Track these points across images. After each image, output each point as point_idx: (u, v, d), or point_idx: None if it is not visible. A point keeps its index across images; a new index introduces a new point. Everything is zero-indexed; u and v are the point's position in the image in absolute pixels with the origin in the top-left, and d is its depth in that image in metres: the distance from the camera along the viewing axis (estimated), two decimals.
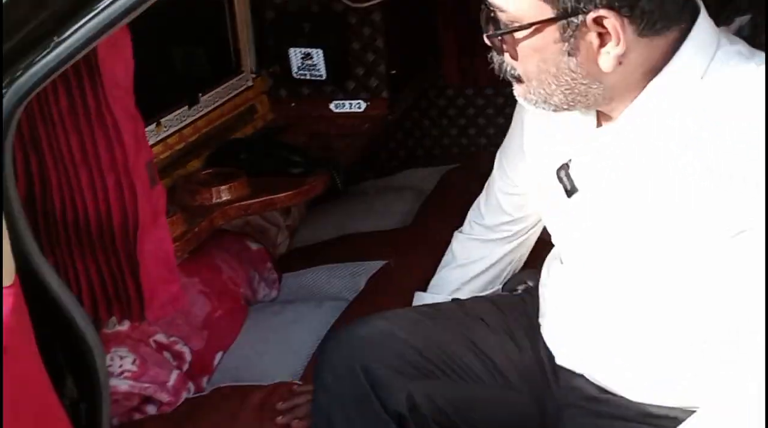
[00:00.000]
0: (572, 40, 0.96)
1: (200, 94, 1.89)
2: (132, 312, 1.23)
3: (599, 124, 1.08)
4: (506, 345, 1.26)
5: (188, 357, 1.61)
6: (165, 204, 1.20)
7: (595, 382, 1.18)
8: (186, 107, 1.83)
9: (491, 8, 1.00)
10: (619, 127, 1.04)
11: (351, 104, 2.23)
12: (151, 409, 1.50)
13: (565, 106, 1.04)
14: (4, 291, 0.94)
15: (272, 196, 1.69)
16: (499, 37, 1.01)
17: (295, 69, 2.17)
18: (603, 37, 0.95)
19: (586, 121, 1.09)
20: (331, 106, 2.24)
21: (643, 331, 1.10)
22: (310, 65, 2.16)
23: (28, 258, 1.01)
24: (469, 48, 2.63)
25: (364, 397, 1.18)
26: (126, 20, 0.97)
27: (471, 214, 1.49)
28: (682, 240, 1.01)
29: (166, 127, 1.76)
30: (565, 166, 1.12)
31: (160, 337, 1.58)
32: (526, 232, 1.42)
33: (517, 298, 1.37)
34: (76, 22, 0.98)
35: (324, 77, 2.17)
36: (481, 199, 1.47)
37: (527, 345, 1.26)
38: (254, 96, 2.15)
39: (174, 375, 1.53)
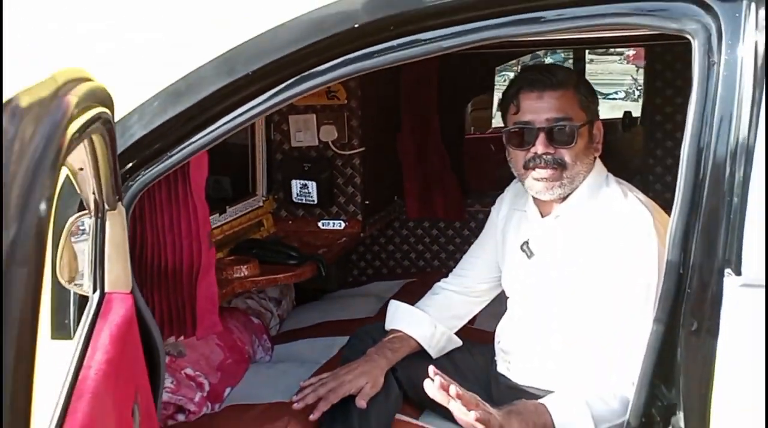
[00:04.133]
0: (590, 134, 1.73)
1: (227, 207, 2.63)
2: (186, 331, 1.88)
3: (542, 216, 1.81)
4: (466, 360, 1.99)
5: (207, 387, 2.22)
6: (215, 259, 1.89)
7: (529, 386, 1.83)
8: (218, 214, 2.56)
9: (559, 123, 1.68)
10: (555, 218, 1.76)
11: (334, 223, 3.00)
12: (180, 417, 2.10)
13: (568, 190, 1.72)
14: (127, 295, 1.61)
15: (275, 276, 2.39)
16: (571, 133, 1.68)
17: (294, 195, 2.94)
18: (592, 136, 1.74)
19: (535, 214, 1.82)
20: (319, 223, 3.00)
21: (565, 342, 1.76)
22: (306, 193, 2.93)
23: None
24: (426, 190, 3.45)
25: None
26: (213, 145, 1.71)
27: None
28: (591, 287, 1.67)
29: None
30: (526, 242, 1.82)
31: (189, 371, 2.21)
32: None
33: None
34: (183, 144, 1.72)
35: (315, 202, 2.95)
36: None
37: (483, 366, 1.97)
38: (263, 214, 2.90)
39: (197, 396, 2.14)
